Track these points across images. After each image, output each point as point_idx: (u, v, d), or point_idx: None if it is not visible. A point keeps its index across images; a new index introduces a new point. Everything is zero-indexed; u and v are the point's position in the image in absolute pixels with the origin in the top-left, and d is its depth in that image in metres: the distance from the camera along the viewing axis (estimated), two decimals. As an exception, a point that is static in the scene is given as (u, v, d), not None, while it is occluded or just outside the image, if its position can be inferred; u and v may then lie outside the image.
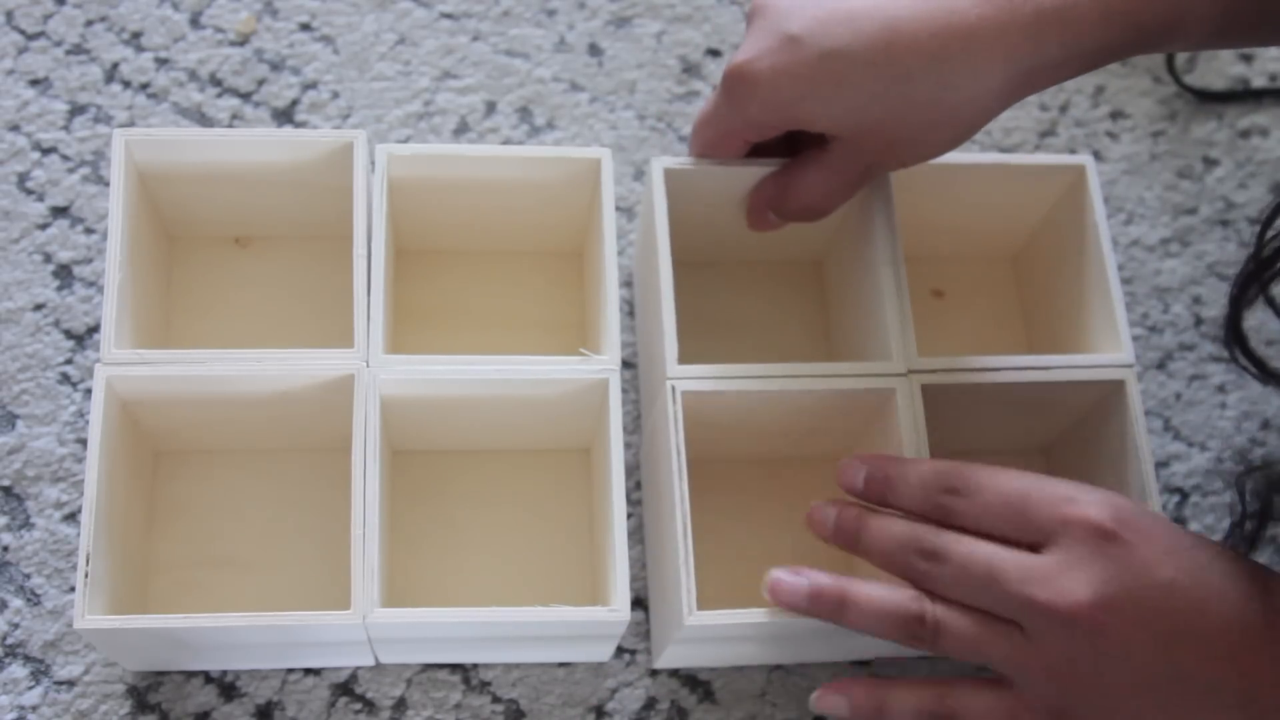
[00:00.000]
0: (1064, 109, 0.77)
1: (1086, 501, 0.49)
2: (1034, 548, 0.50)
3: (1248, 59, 0.79)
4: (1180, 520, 0.68)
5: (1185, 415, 0.71)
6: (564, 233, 0.67)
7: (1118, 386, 0.60)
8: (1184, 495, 0.69)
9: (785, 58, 0.54)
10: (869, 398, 0.59)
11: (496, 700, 0.61)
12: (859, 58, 0.53)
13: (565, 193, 0.63)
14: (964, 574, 0.50)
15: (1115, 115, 0.77)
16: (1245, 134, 0.77)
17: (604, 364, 0.58)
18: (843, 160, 0.58)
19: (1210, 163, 0.77)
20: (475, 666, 0.62)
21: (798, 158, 0.60)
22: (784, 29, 0.55)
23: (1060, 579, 0.48)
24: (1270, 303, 0.61)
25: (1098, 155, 0.76)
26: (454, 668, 0.62)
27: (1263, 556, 0.64)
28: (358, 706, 0.61)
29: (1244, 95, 0.78)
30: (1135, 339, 0.72)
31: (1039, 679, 0.49)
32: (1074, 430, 0.65)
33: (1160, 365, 0.72)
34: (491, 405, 0.60)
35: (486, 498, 0.64)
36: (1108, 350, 0.61)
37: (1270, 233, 0.56)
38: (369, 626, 0.54)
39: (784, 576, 0.53)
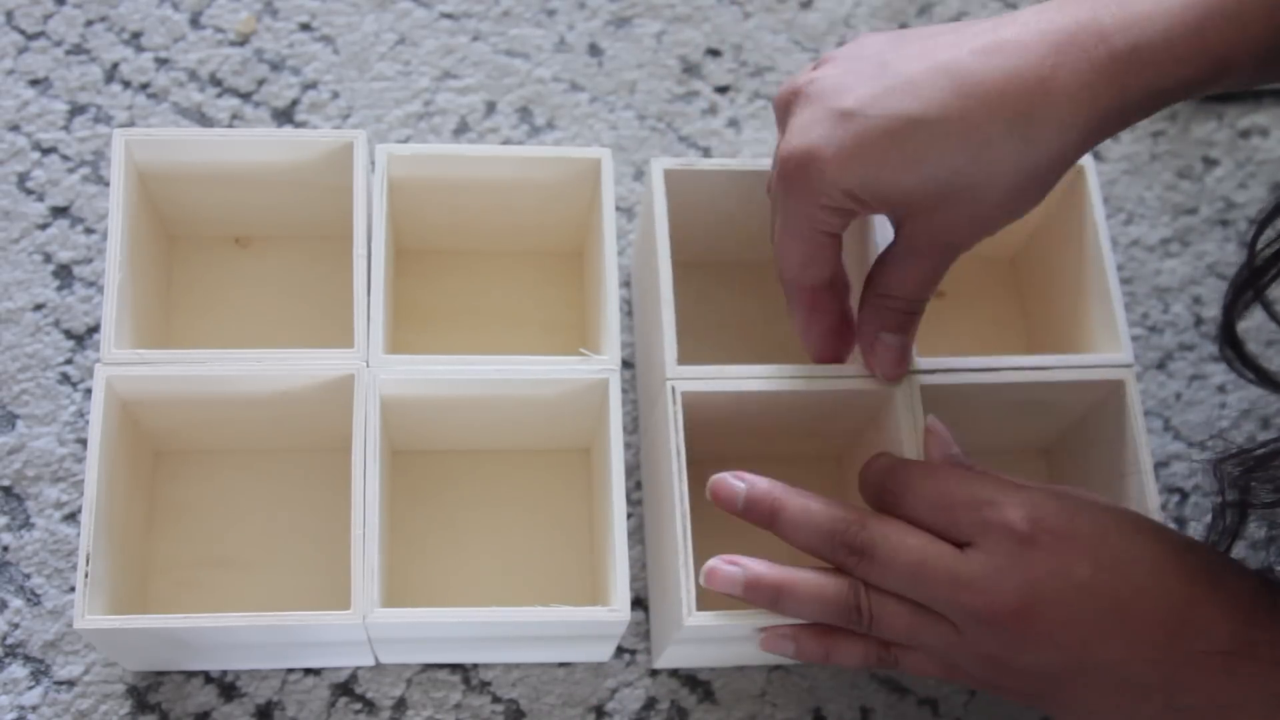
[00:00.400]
0: (1064, 109, 0.77)
1: (1006, 504, 0.50)
2: (960, 544, 0.51)
3: (1248, 59, 0.79)
4: (1180, 520, 0.68)
5: (1185, 415, 0.71)
6: (564, 233, 0.67)
7: (1117, 387, 0.60)
8: (1184, 495, 0.69)
9: (845, 133, 0.50)
10: (868, 398, 0.59)
11: (496, 700, 0.61)
12: (934, 127, 0.49)
13: (565, 193, 0.63)
14: (892, 572, 0.51)
15: (1115, 115, 0.77)
16: (1245, 134, 0.77)
17: (604, 364, 0.58)
18: (924, 239, 0.53)
19: (1210, 163, 0.77)
20: (475, 666, 0.62)
21: (874, 267, 0.56)
22: (835, 106, 0.50)
23: (984, 583, 0.49)
24: (1266, 308, 0.61)
25: (1098, 155, 0.76)
26: (454, 668, 0.62)
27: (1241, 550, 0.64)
28: (358, 706, 0.61)
29: (1244, 95, 0.78)
30: (1135, 339, 0.72)
31: (973, 663, 0.52)
32: (1074, 431, 0.65)
33: (1160, 365, 0.72)
34: (491, 405, 0.60)
35: (486, 498, 0.64)
36: (1107, 350, 0.61)
37: (1262, 240, 0.55)
38: (369, 626, 0.54)
39: (720, 565, 0.53)
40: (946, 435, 0.57)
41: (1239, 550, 0.56)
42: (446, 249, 0.68)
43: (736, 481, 0.54)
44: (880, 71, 0.51)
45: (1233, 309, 0.58)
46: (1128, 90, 0.49)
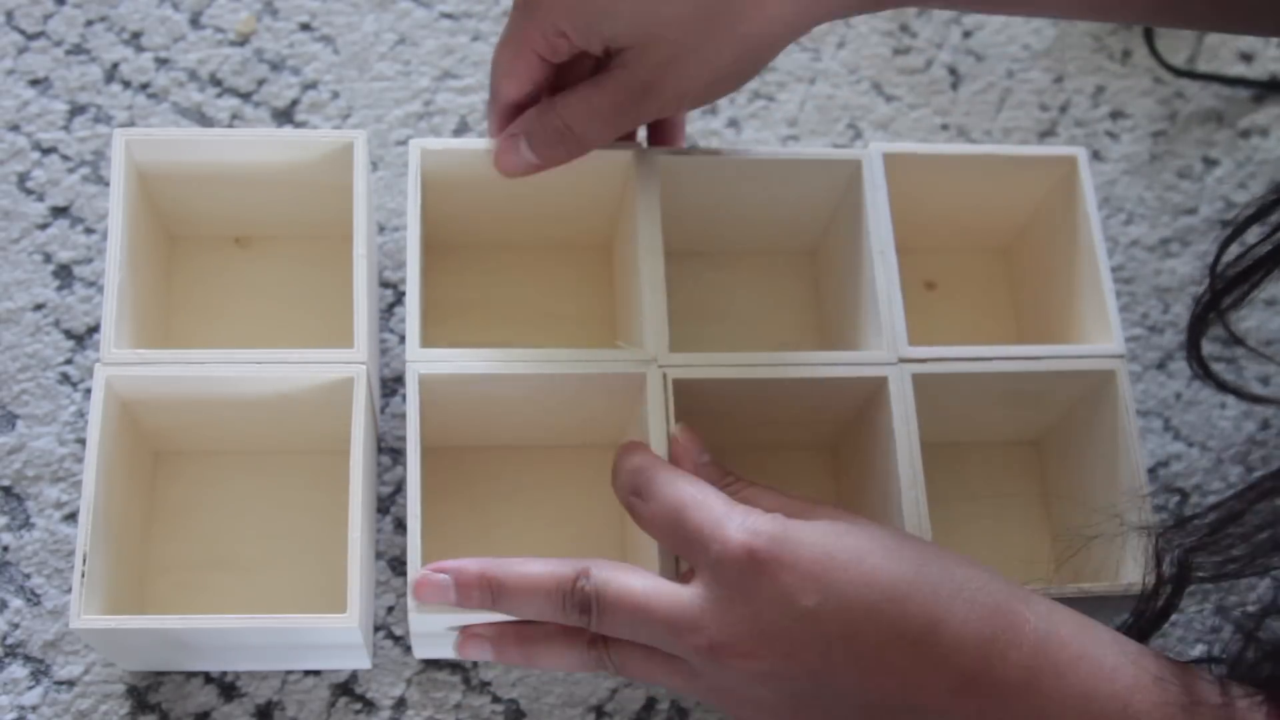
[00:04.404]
0: (1064, 109, 0.77)
1: (733, 526, 0.49)
2: (690, 571, 0.50)
3: (1248, 59, 0.79)
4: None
5: (1185, 415, 0.71)
6: (593, 226, 0.66)
7: (1108, 377, 0.60)
8: (1184, 495, 0.69)
9: None
10: (860, 385, 0.59)
11: (496, 700, 0.62)
12: None
13: (595, 187, 0.63)
14: (618, 621, 0.50)
15: (1115, 115, 0.77)
16: (1245, 134, 0.77)
17: (641, 355, 0.58)
18: (620, 77, 0.55)
19: (1210, 163, 0.76)
20: (475, 666, 0.62)
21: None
22: None
23: (705, 621, 0.48)
24: (1227, 327, 0.59)
25: (1098, 155, 0.76)
26: (454, 668, 0.62)
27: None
28: (358, 706, 0.61)
29: (1241, 82, 0.78)
30: (1135, 339, 0.72)
31: (711, 699, 0.51)
32: (1064, 422, 0.65)
33: (1160, 365, 0.72)
34: (523, 400, 0.59)
35: (513, 494, 0.64)
36: (1098, 341, 0.61)
37: (1223, 261, 0.55)
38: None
39: (427, 576, 0.52)
40: (692, 444, 0.55)
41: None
42: (477, 243, 0.67)
43: (438, 575, 0.52)
44: None
45: (1198, 328, 0.57)
46: None
